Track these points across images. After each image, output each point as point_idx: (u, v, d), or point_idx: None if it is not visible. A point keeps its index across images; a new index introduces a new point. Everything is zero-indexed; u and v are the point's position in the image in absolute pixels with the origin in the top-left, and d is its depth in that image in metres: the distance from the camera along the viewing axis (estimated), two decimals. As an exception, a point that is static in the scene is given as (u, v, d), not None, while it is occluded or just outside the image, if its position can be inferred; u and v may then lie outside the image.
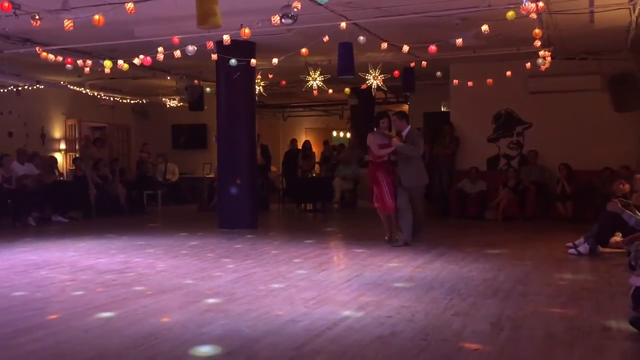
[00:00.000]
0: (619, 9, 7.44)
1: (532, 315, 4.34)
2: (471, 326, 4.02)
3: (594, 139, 11.21)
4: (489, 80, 10.58)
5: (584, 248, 6.94)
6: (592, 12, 7.79)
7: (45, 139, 14.40)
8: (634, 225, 6.65)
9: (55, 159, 13.34)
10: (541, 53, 8.89)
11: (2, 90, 12.57)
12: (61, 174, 13.53)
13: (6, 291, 5.24)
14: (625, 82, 10.95)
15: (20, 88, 12.75)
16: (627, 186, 7.88)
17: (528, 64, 9.59)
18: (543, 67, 9.25)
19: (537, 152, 11.54)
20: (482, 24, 7.15)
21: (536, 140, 11.73)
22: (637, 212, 6.82)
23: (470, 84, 11.11)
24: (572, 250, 7.01)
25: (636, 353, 3.63)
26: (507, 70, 10.37)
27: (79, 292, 5.19)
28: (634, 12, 7.61)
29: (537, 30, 7.49)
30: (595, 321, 4.16)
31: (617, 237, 7.01)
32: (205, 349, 3.58)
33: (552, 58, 9.42)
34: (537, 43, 7.98)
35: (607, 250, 7.08)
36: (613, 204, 6.88)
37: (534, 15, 6.83)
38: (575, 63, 11.09)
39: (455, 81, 11.31)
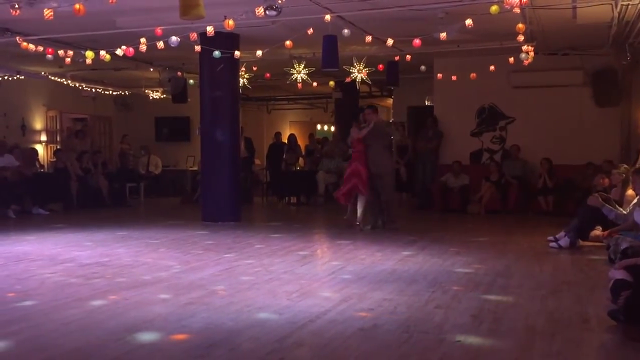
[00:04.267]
0: (601, 4, 7.51)
1: (512, 307, 4.38)
2: (453, 319, 4.04)
3: (576, 134, 11.33)
4: (473, 75, 10.64)
5: (564, 242, 7.01)
6: (574, 8, 7.85)
7: (26, 131, 14.21)
8: (614, 219, 6.76)
9: (36, 151, 13.19)
10: (524, 48, 8.96)
11: (-19, 81, 12.40)
12: (42, 166, 13.38)
13: (-15, 284, 5.17)
14: (606, 77, 11.06)
15: (0, 78, 12.57)
16: (607, 181, 7.99)
17: (511, 59, 9.65)
18: (526, 62, 9.32)
19: (519, 146, 11.62)
20: (466, 18, 7.17)
21: (519, 135, 11.82)
22: (616, 206, 6.92)
23: (454, 78, 11.16)
24: (552, 244, 7.08)
25: (615, 345, 3.68)
26: (491, 65, 10.43)
27: (59, 285, 5.13)
28: (616, 8, 7.68)
29: (520, 25, 7.54)
30: (575, 314, 4.20)
31: (597, 231, 7.10)
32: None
33: (535, 53, 9.49)
34: (521, 38, 8.04)
35: (587, 243, 7.17)
36: (593, 199, 6.97)
37: (517, 10, 6.87)
38: (557, 58, 11.18)
39: (439, 75, 11.35)
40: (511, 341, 3.62)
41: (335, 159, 13.89)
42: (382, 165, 8.54)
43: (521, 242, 7.60)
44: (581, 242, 7.15)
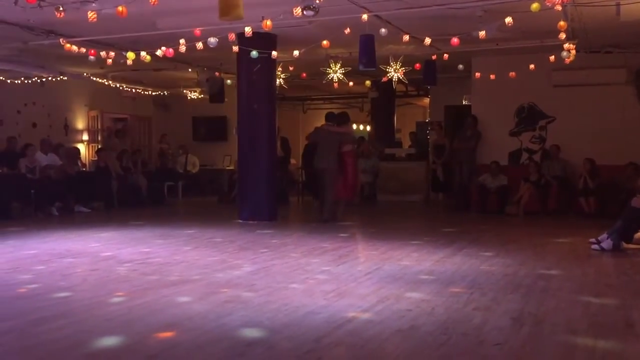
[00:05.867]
0: (646, 1, 7.31)
1: (554, 311, 4.30)
2: (492, 321, 3.98)
3: (619, 133, 11.04)
4: (512, 74, 10.47)
5: (607, 244, 6.84)
6: (618, 5, 7.66)
7: (68, 130, 14.58)
8: (659, 222, 6.57)
9: (79, 150, 13.50)
10: (566, 46, 8.77)
11: (26, 82, 12.74)
12: (84, 165, 13.70)
13: (30, 279, 5.32)
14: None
15: (44, 79, 12.91)
16: (651, 182, 7.77)
17: (552, 57, 9.48)
18: (567, 60, 9.13)
19: (559, 146, 11.40)
20: (506, 16, 7.07)
21: (559, 135, 11.59)
22: (662, 208, 6.72)
23: (492, 77, 11.01)
24: (595, 246, 6.92)
25: (661, 351, 3.58)
26: (531, 64, 10.24)
27: (101, 281, 5.25)
28: (662, 4, 7.46)
29: (561, 23, 7.37)
30: (619, 318, 4.10)
31: (642, 233, 6.91)
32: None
33: (576, 51, 9.29)
34: (562, 36, 7.87)
35: (631, 246, 6.98)
36: (638, 200, 6.79)
37: (559, 7, 6.73)
38: (600, 56, 10.93)
39: (477, 74, 11.20)
40: (553, 346, 3.56)
41: (372, 159, 13.86)
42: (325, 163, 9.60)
43: (562, 244, 7.45)
44: (625, 245, 6.95)
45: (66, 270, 5.76)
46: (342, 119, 10.09)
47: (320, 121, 22.09)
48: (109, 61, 9.40)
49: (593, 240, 7.04)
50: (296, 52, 8.93)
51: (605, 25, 8.90)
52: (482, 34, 7.63)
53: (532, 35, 9.46)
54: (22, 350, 3.47)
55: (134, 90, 15.08)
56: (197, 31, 7.76)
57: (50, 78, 12.87)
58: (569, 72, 10.93)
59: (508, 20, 7.06)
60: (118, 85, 14.29)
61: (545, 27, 8.25)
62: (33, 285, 5.09)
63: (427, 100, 17.44)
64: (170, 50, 8.41)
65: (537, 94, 11.78)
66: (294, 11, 6.82)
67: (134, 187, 12.72)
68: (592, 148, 10.99)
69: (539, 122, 11.91)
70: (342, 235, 8.30)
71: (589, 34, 9.49)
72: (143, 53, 8.72)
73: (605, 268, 6.06)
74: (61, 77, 12.84)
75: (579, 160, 10.95)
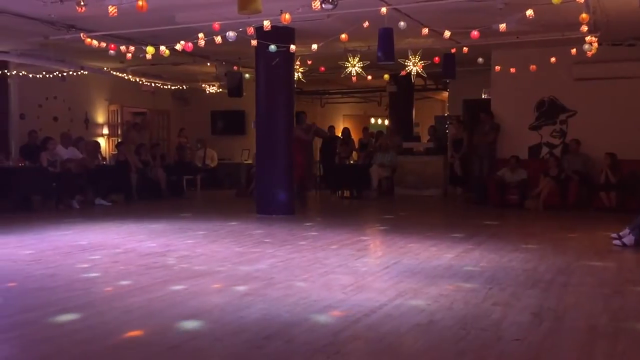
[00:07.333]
0: (671, -8, 7.18)
1: (574, 306, 4.26)
2: (511, 316, 3.96)
3: (641, 128, 10.89)
4: (533, 67, 10.36)
5: (629, 239, 6.75)
6: (642, -4, 7.53)
7: (89, 124, 14.74)
8: (683, 217, 6.46)
9: (99, 144, 13.64)
10: (587, 39, 8.65)
11: (47, 76, 12.88)
12: (104, 159, 13.83)
13: (52, 272, 5.39)
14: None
15: (65, 74, 13.04)
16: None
17: (573, 50, 9.35)
18: (589, 53, 9.00)
19: (578, 140, 11.27)
20: (527, 9, 6.99)
21: (581, 129, 11.46)
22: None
23: (512, 70, 10.90)
24: (616, 242, 6.83)
25: (683, 348, 3.53)
26: (552, 57, 10.14)
27: (121, 274, 5.31)
28: (687, -5, 7.32)
29: (583, 15, 7.27)
30: (641, 314, 4.06)
31: (664, 229, 6.80)
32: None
33: (598, 44, 9.15)
34: (584, 28, 7.76)
35: (653, 242, 6.88)
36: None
37: (580, 0, 6.64)
38: (622, 49, 10.77)
39: (497, 67, 11.10)
40: (573, 341, 3.53)
41: (389, 153, 13.81)
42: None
43: (582, 239, 7.37)
44: (647, 241, 6.87)
45: (87, 262, 5.83)
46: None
47: (339, 115, 22.20)
48: (129, 56, 9.46)
49: (614, 235, 6.95)
50: (314, 46, 8.91)
51: (628, 18, 8.77)
52: (502, 26, 7.55)
53: (553, 28, 9.35)
54: (43, 340, 3.52)
55: (153, 85, 15.18)
56: (216, 25, 7.77)
57: (71, 72, 12.99)
58: (590, 65, 10.78)
59: (529, 12, 6.99)
60: (137, 80, 14.39)
61: (567, 20, 8.15)
62: (54, 277, 5.16)
63: (445, 94, 17.34)
64: (189, 44, 8.44)
65: (558, 87, 11.65)
66: (313, 4, 6.80)
67: (153, 180, 12.82)
68: (614, 142, 10.84)
69: (560, 116, 11.78)
70: (360, 229, 8.29)
71: (612, 27, 9.36)
72: (162, 47, 8.77)
73: (626, 263, 5.99)
74: (82, 71, 12.96)
75: (600, 154, 10.81)
